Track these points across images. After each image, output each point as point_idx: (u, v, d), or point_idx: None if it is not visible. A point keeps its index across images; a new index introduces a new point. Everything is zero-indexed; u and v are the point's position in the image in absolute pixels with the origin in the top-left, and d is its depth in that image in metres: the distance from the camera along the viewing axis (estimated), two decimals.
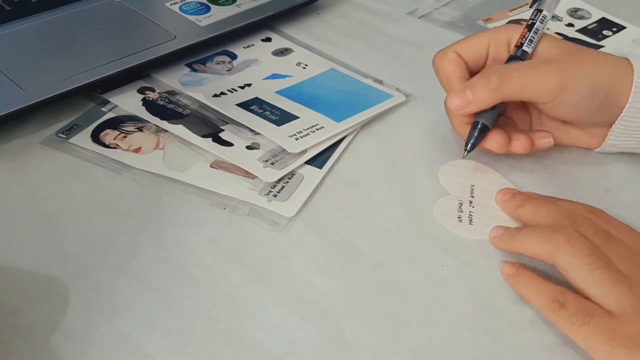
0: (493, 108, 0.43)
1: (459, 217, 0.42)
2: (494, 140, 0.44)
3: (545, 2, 0.44)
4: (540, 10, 0.44)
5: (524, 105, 0.47)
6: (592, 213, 0.39)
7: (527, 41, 0.43)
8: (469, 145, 0.44)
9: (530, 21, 0.44)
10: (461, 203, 0.43)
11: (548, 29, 0.44)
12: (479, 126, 0.44)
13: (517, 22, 0.64)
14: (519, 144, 0.44)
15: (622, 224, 0.39)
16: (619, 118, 0.43)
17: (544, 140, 0.45)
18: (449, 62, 0.45)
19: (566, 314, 0.34)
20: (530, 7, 0.45)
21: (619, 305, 0.33)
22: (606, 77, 0.42)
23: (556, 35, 0.62)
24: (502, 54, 0.45)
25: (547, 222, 0.39)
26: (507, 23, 0.64)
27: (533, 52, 0.44)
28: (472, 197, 0.44)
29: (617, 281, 0.34)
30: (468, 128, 0.45)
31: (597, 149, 0.47)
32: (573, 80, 0.41)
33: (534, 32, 0.44)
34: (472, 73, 0.45)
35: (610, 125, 0.44)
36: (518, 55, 0.43)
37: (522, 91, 0.42)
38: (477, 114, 0.44)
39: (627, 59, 0.43)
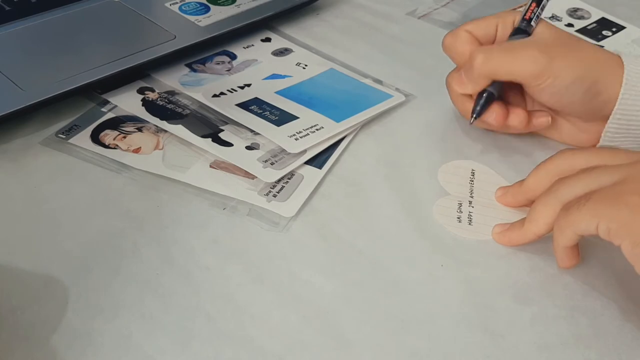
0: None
1: (458, 218, 0.42)
2: (492, 112, 0.45)
3: None
4: None
5: (520, 92, 0.47)
6: (565, 159, 0.40)
7: (535, 16, 0.44)
8: (476, 112, 0.45)
9: None
10: (460, 203, 0.43)
11: None
12: (485, 94, 0.45)
13: None
14: (516, 117, 0.45)
15: (596, 149, 0.40)
16: (611, 116, 0.43)
17: (541, 120, 0.46)
18: (462, 42, 0.46)
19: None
20: None
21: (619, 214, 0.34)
22: (592, 69, 0.43)
23: None
24: (508, 34, 0.46)
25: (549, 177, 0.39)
26: None
27: (532, 30, 0.45)
28: (472, 197, 0.44)
29: (606, 201, 0.34)
30: (465, 101, 0.46)
31: None
32: (556, 68, 0.42)
33: (541, 8, 0.45)
34: None
35: (601, 120, 0.44)
36: (522, 28, 0.44)
37: (506, 73, 0.43)
38: None
39: (619, 56, 0.44)
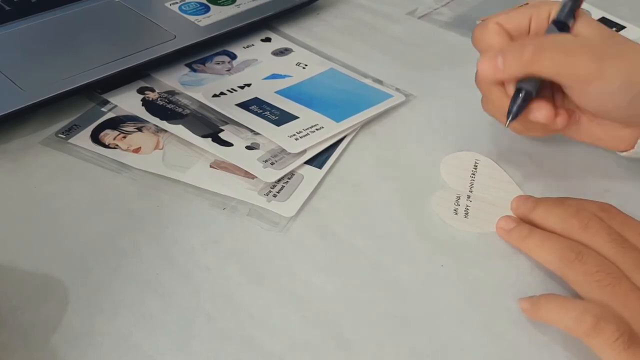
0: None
1: (455, 210, 0.42)
2: (542, 110, 0.40)
3: None
4: None
5: (551, 92, 0.44)
6: (604, 212, 0.38)
7: (574, 8, 0.41)
8: (513, 112, 0.40)
9: None
10: (459, 196, 0.43)
11: None
12: (522, 94, 0.40)
13: None
14: (562, 119, 0.41)
15: (636, 221, 0.38)
16: None
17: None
18: (490, 33, 0.42)
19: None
20: None
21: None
22: None
23: None
24: (544, 28, 0.42)
25: (559, 224, 0.38)
26: None
27: (573, 25, 0.41)
28: (471, 191, 0.44)
29: (631, 296, 0.33)
30: (497, 106, 0.42)
31: (624, 154, 0.43)
32: (605, 71, 0.38)
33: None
34: None
35: (637, 127, 0.41)
36: (561, 20, 0.41)
37: (554, 71, 0.39)
38: (520, 81, 0.40)
39: None
